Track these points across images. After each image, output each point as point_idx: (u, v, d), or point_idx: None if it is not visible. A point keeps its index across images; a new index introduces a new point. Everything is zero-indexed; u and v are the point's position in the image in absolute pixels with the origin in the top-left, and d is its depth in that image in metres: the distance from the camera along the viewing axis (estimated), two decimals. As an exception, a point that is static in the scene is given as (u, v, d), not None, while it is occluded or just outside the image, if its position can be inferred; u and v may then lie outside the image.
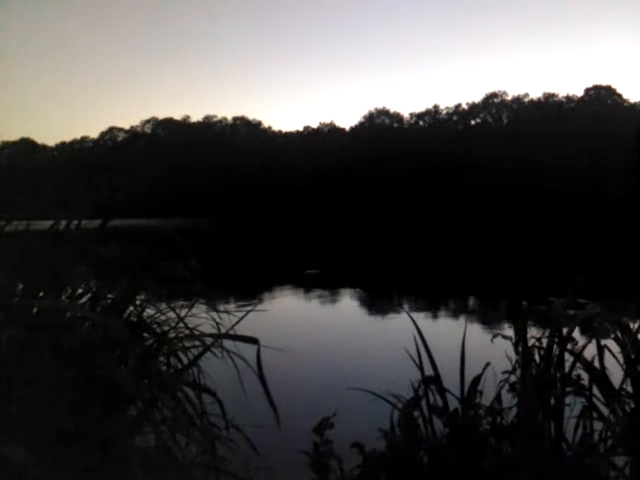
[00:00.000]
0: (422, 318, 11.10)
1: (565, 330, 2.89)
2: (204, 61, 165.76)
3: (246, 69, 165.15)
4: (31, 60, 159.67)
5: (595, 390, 2.78)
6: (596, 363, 2.82)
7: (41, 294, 3.08)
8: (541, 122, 70.53)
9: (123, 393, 2.69)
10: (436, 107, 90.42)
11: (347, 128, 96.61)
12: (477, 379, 2.69)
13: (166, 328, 3.38)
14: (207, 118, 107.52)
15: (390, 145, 79.82)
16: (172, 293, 3.72)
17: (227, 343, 3.29)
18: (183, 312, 3.46)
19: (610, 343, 2.88)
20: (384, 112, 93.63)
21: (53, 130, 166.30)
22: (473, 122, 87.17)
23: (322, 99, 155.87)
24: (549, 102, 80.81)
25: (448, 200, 69.46)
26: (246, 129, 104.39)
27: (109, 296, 3.41)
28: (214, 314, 3.53)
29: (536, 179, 62.17)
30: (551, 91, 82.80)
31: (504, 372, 2.83)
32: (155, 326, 3.40)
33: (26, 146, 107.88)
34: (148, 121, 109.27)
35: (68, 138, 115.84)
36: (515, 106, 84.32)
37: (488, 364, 2.75)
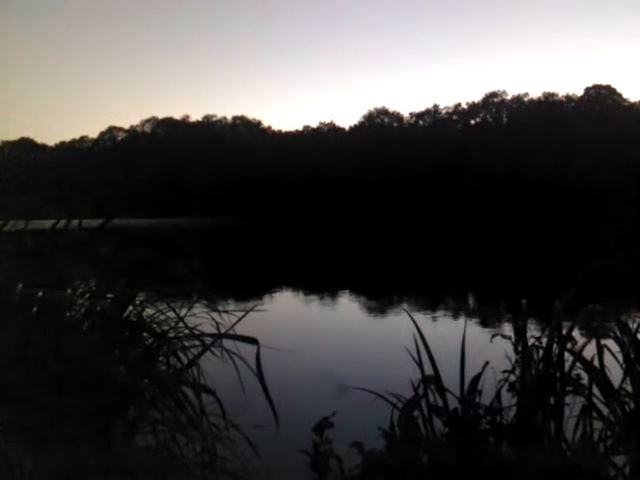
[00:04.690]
0: (422, 317, 11.10)
1: (565, 330, 2.89)
2: (204, 61, 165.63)
3: (246, 68, 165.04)
4: (31, 60, 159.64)
5: (595, 389, 2.78)
6: (596, 362, 2.81)
7: (40, 294, 3.08)
8: (541, 122, 70.52)
9: (122, 393, 2.69)
10: (436, 107, 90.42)
11: (347, 128, 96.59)
12: (477, 378, 2.69)
13: (166, 328, 3.38)
14: (207, 117, 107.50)
15: (390, 144, 79.81)
16: (172, 292, 3.72)
17: (227, 343, 3.29)
18: (183, 312, 3.46)
19: (610, 343, 2.88)
20: (384, 111, 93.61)
21: (53, 130, 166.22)
22: (473, 122, 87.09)
23: (322, 98, 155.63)
24: (549, 102, 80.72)
25: (448, 200, 69.47)
26: (246, 128, 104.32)
27: (109, 295, 3.40)
28: (214, 314, 3.53)
29: (536, 179, 62.17)
30: (551, 90, 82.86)
31: (504, 371, 2.83)
32: (155, 326, 3.40)
33: (26, 145, 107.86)
34: (148, 121, 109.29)
35: (68, 138, 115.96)
36: (515, 106, 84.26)
37: (487, 363, 2.75)
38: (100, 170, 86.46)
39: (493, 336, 2.99)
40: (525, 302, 3.09)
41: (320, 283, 18.50)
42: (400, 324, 10.05)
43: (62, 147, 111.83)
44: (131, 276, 3.41)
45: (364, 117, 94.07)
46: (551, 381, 2.80)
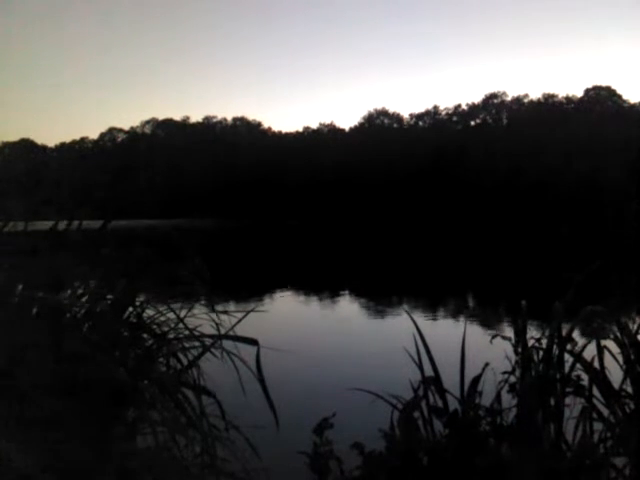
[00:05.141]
0: (422, 318, 11.10)
1: (565, 331, 2.89)
2: (204, 62, 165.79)
3: (246, 70, 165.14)
4: (31, 61, 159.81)
5: (595, 391, 2.77)
6: (596, 364, 2.81)
7: (40, 295, 3.08)
8: (541, 123, 70.50)
9: (122, 394, 2.69)
10: (436, 108, 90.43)
11: (347, 129, 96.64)
12: (477, 380, 2.69)
13: (166, 329, 3.38)
14: (207, 119, 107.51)
15: (390, 145, 79.81)
16: (173, 293, 3.72)
17: (227, 344, 3.29)
18: (183, 313, 3.46)
19: (610, 344, 2.88)
20: (383, 113, 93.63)
21: (53, 131, 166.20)
22: (473, 123, 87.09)
23: (322, 100, 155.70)
24: (549, 103, 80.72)
25: (447, 201, 69.45)
26: (246, 129, 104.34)
27: (109, 297, 3.40)
28: (214, 315, 3.53)
29: (535, 180, 62.17)
30: (551, 92, 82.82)
31: (504, 373, 2.83)
32: (155, 327, 3.40)
33: (26, 146, 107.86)
34: (148, 122, 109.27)
35: (68, 139, 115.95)
36: (515, 107, 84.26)
37: (487, 364, 2.75)
38: (100, 171, 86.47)
39: (493, 337, 2.99)
40: (525, 303, 3.09)
41: (320, 283, 18.49)
42: (400, 325, 10.05)
43: (62, 148, 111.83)
44: (131, 277, 3.41)
45: (364, 118, 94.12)
46: (551, 382, 2.79)
